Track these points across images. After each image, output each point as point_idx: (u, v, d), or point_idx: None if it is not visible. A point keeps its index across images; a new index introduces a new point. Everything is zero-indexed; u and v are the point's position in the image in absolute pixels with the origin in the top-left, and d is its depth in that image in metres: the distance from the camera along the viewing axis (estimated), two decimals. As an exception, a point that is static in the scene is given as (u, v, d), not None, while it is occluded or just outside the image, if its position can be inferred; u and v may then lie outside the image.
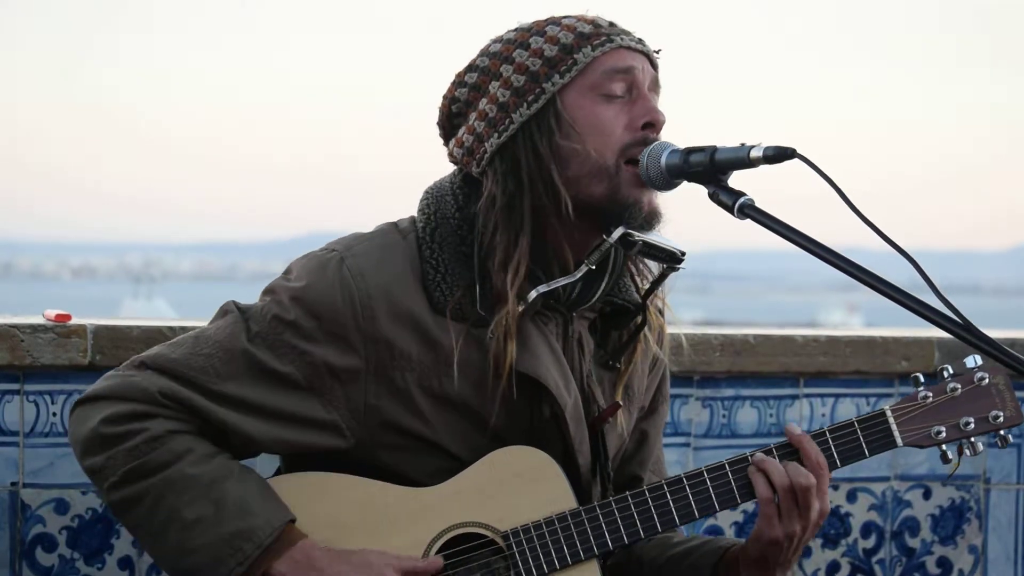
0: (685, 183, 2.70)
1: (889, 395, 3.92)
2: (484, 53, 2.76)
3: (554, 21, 2.74)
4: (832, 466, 2.75)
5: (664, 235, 2.76)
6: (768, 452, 2.74)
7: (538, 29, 2.73)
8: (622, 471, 2.92)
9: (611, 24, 2.74)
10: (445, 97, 2.79)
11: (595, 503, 2.73)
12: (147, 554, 2.70)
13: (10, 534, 3.21)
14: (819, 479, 2.70)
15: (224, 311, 2.73)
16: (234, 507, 2.59)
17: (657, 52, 2.77)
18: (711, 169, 2.65)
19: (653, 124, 2.71)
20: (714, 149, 2.65)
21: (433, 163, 2.86)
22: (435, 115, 2.84)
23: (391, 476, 2.70)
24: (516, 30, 2.76)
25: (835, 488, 3.88)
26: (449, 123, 2.80)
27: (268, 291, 2.72)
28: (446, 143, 2.82)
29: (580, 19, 2.74)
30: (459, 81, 2.76)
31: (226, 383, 2.65)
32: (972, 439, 2.80)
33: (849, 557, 3.91)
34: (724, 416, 3.79)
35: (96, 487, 2.71)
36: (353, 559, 2.62)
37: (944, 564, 3.99)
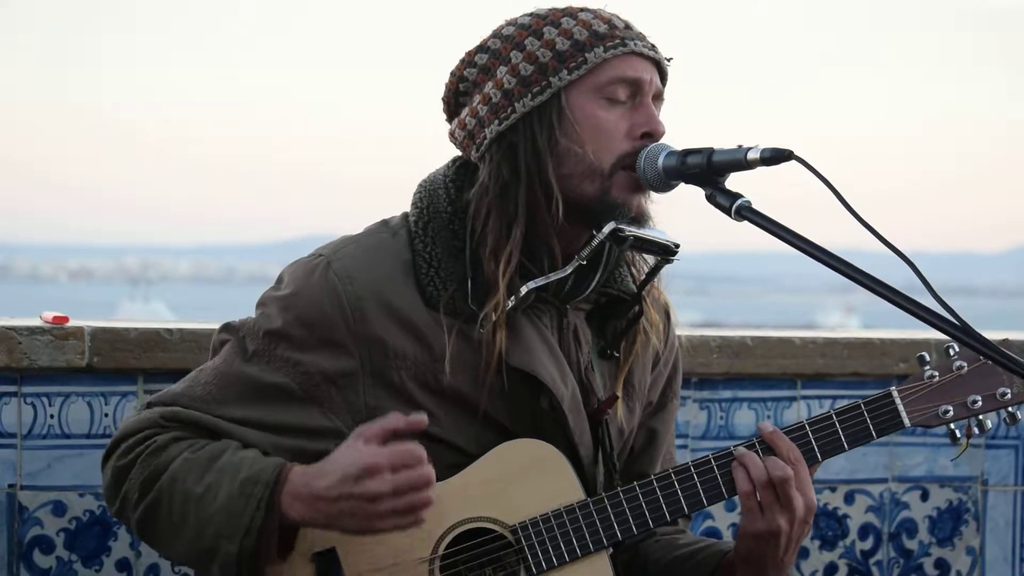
0: (682, 185, 2.70)
1: (886, 397, 3.92)
2: (496, 35, 2.75)
3: (571, 13, 2.72)
4: (839, 449, 2.76)
5: (658, 228, 2.76)
6: (751, 446, 2.75)
7: (553, 19, 2.72)
8: (630, 469, 2.92)
9: (627, 26, 2.73)
10: (453, 74, 2.78)
11: (603, 495, 2.73)
12: (182, 565, 2.70)
13: (7, 536, 3.21)
14: (797, 472, 2.70)
15: (221, 341, 2.76)
16: (233, 467, 2.60)
17: (669, 60, 2.77)
18: (708, 171, 2.65)
19: (652, 134, 2.71)
20: (711, 151, 2.65)
21: (431, 165, 2.86)
22: (433, 118, 2.84)
23: None
24: (532, 15, 2.74)
25: (832, 490, 3.88)
26: (455, 100, 2.79)
27: (260, 304, 2.74)
28: (449, 120, 2.82)
29: (597, 16, 2.72)
30: (469, 60, 2.76)
31: (225, 408, 2.69)
32: (980, 417, 2.80)
33: (847, 559, 3.91)
34: (722, 418, 3.79)
35: (126, 522, 2.72)
36: (335, 461, 2.56)
37: (942, 566, 3.99)
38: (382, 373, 2.68)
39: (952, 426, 2.80)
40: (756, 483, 2.69)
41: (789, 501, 2.69)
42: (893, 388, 2.80)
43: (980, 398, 2.78)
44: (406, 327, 2.68)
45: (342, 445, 2.57)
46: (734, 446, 2.75)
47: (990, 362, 2.77)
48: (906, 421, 2.79)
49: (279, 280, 2.75)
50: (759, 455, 2.72)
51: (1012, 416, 2.80)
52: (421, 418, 2.55)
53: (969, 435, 2.81)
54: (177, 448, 2.65)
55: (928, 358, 2.81)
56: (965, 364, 2.79)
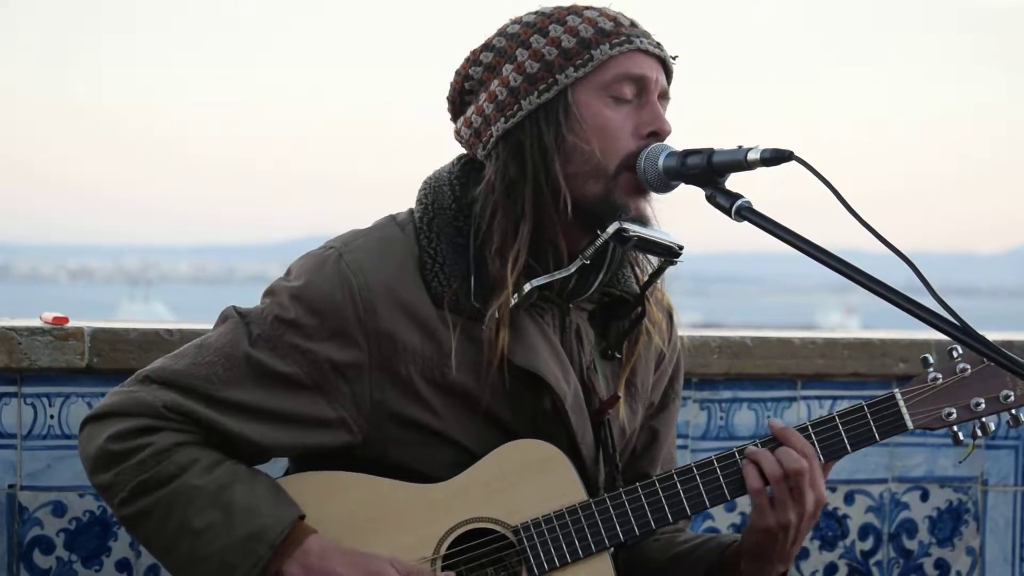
0: (682, 185, 2.70)
1: (886, 397, 3.92)
2: (501, 33, 2.75)
3: (576, 11, 2.73)
4: (843, 451, 2.76)
5: (662, 229, 2.76)
6: (763, 444, 2.74)
7: (559, 17, 2.72)
8: (631, 469, 2.92)
9: (632, 24, 2.73)
10: (458, 73, 2.78)
11: (605, 495, 2.73)
12: (162, 566, 2.71)
13: (8, 536, 3.21)
14: (810, 466, 2.70)
15: (224, 317, 2.73)
16: (243, 511, 2.59)
17: (674, 58, 2.77)
18: (708, 171, 2.65)
19: (658, 133, 2.71)
20: (711, 151, 2.65)
21: (431, 167, 2.86)
22: (437, 118, 2.84)
23: (402, 472, 2.70)
24: (537, 13, 2.74)
25: (832, 490, 3.88)
26: (460, 99, 2.79)
27: (268, 292, 2.73)
28: (454, 120, 2.81)
29: (602, 14, 2.72)
30: (474, 59, 2.76)
31: (229, 390, 2.65)
32: (983, 419, 2.80)
33: (847, 559, 3.91)
34: (722, 418, 3.79)
35: (107, 504, 2.71)
36: (358, 559, 2.61)
37: (942, 566, 3.99)
38: (390, 366, 2.67)
39: (955, 428, 2.80)
40: (770, 478, 2.69)
41: (801, 495, 2.69)
42: (896, 390, 2.80)
43: (983, 400, 2.78)
44: (415, 322, 2.68)
45: (376, 556, 2.61)
46: (736, 448, 2.75)
47: (993, 364, 2.77)
48: (909, 423, 2.79)
49: (288, 272, 2.74)
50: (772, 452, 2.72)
51: (1015, 418, 2.80)
52: None
53: (975, 437, 2.81)
54: (181, 459, 2.62)
55: (931, 360, 2.81)
56: (968, 366, 2.79)
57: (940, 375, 2.79)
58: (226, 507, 2.60)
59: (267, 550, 2.57)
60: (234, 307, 2.74)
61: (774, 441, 2.74)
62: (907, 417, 2.79)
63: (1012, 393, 2.79)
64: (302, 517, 2.63)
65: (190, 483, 2.61)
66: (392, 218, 2.79)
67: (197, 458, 2.63)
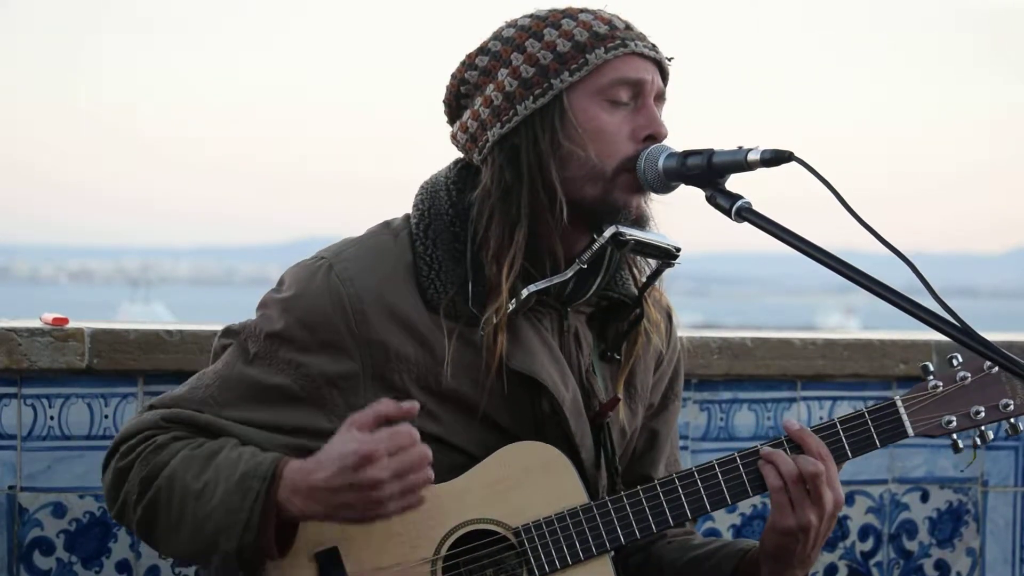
0: (682, 186, 2.70)
1: (887, 398, 3.91)
2: (497, 37, 2.74)
3: (571, 15, 2.72)
4: (843, 457, 2.76)
5: (660, 231, 2.76)
6: (778, 444, 2.74)
7: (553, 21, 2.71)
8: (632, 471, 2.92)
9: (627, 27, 2.72)
10: (454, 77, 2.78)
11: (606, 498, 2.73)
12: (184, 563, 2.70)
13: (7, 537, 3.21)
14: (826, 467, 2.70)
15: (222, 346, 2.76)
16: (233, 464, 2.60)
17: (670, 60, 2.77)
18: (708, 172, 2.65)
19: (655, 136, 2.71)
20: (711, 152, 2.65)
21: (430, 167, 2.86)
22: (435, 119, 2.84)
23: None
24: (532, 17, 2.74)
25: (833, 491, 3.88)
26: (456, 103, 2.79)
27: (261, 305, 2.74)
28: (451, 123, 2.81)
29: (597, 17, 2.72)
30: (470, 63, 2.75)
31: (227, 409, 2.69)
32: (983, 428, 2.80)
33: (847, 560, 3.91)
34: (722, 419, 3.79)
35: (127, 524, 2.72)
36: (326, 455, 2.55)
37: (942, 567, 3.99)
38: (383, 375, 2.68)
39: (955, 436, 2.80)
40: (787, 479, 2.69)
41: (819, 497, 2.69)
42: (897, 397, 2.81)
43: (983, 409, 2.79)
44: (408, 330, 2.68)
45: (335, 435, 2.56)
46: (737, 452, 2.75)
47: (993, 372, 2.77)
48: (910, 431, 2.79)
49: (280, 282, 2.75)
50: (787, 452, 2.72)
51: (1014, 427, 2.80)
52: (413, 405, 2.56)
53: (976, 446, 2.81)
54: (176, 446, 2.65)
55: (931, 367, 2.82)
56: (968, 375, 2.79)
57: (940, 383, 2.80)
58: (218, 465, 2.61)
59: (261, 483, 2.56)
60: (228, 329, 2.76)
61: (790, 442, 2.74)
62: (908, 424, 2.79)
63: (1012, 402, 2.79)
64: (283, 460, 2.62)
65: (184, 456, 2.63)
66: (386, 224, 2.79)
67: (189, 442, 2.66)
